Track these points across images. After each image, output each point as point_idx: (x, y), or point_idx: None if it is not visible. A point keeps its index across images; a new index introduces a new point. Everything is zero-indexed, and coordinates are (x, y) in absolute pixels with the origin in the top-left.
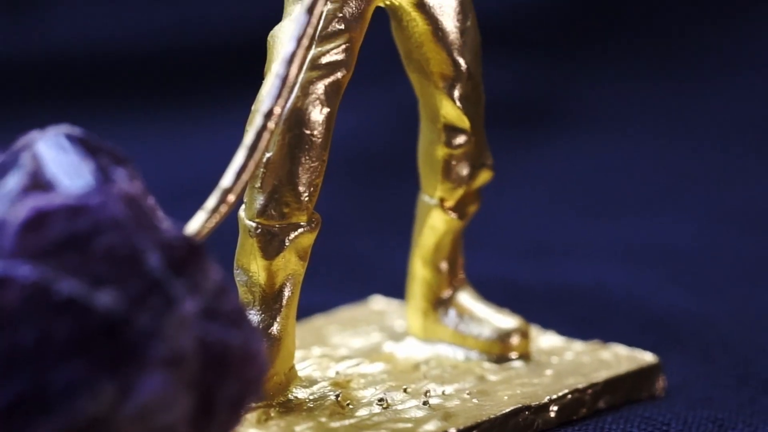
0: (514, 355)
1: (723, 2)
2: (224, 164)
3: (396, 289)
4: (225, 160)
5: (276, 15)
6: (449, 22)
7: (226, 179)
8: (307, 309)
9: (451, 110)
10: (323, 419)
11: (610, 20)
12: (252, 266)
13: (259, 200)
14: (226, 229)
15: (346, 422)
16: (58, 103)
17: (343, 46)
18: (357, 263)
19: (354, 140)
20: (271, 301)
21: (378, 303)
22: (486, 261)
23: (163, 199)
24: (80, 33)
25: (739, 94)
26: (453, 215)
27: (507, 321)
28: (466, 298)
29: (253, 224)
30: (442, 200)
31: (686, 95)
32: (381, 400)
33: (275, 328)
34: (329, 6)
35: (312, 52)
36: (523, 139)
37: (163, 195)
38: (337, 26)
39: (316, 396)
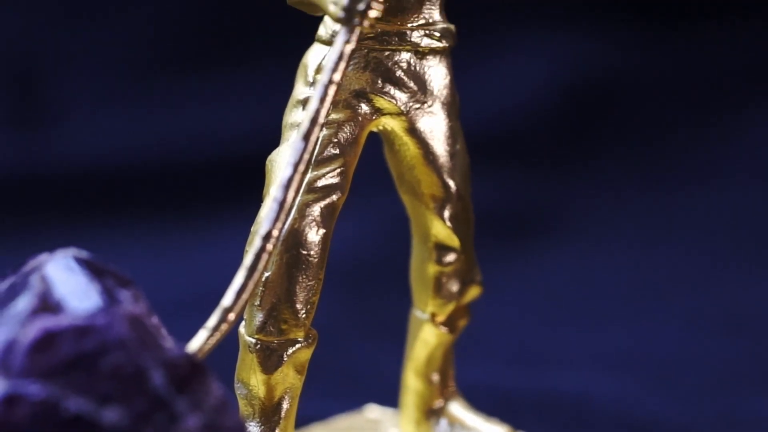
0: None
1: (702, 114)
2: (225, 277)
3: (390, 397)
4: (226, 273)
5: (275, 132)
6: (439, 146)
7: (227, 299)
8: (304, 418)
9: (441, 230)
10: None
11: (594, 134)
12: (252, 380)
13: (259, 317)
14: (227, 344)
15: None
16: (62, 217)
17: (338, 170)
18: (352, 373)
19: (349, 252)
20: (270, 413)
21: (373, 412)
22: (475, 369)
23: (166, 313)
24: (85, 149)
25: (718, 203)
26: (444, 330)
27: (495, 430)
28: (457, 409)
29: (253, 340)
30: (433, 315)
31: (667, 204)
32: None
33: None
34: (325, 131)
35: (308, 175)
36: (509, 249)
37: (167, 308)
38: (333, 151)
39: None
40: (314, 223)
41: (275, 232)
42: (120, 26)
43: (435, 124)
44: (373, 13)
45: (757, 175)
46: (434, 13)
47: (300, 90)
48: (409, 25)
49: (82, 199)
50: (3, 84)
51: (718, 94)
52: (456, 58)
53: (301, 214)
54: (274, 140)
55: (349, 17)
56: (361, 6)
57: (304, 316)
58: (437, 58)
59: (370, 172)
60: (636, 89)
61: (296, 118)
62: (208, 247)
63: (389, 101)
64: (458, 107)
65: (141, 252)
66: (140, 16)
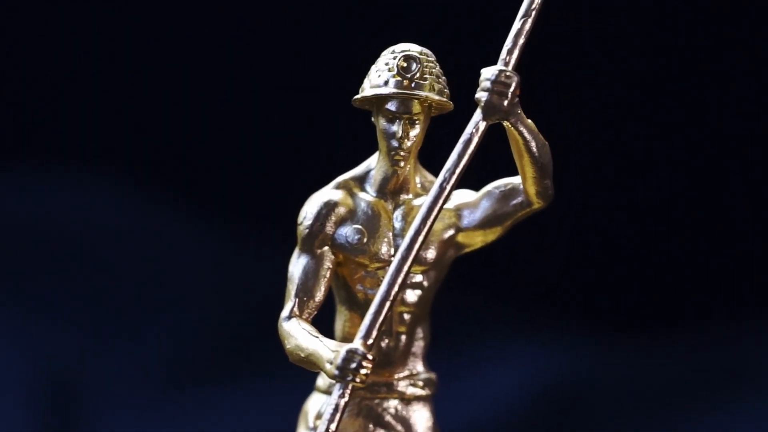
0: None
1: (665, 416)
2: None
3: None
4: None
5: None
6: None
7: None
8: None
9: None
10: None
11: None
12: None
13: None
14: None
15: None
16: None
17: None
18: None
19: None
20: None
21: None
22: None
23: None
24: None
25: None
26: None
27: None
28: None
29: None
30: None
31: None
32: None
33: None
34: None
35: None
36: None
37: None
38: None
39: None
40: None
41: None
42: (139, 345)
43: None
44: (363, 371)
45: None
46: (418, 365)
47: None
48: (396, 376)
49: None
50: (35, 397)
51: (680, 398)
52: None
53: None
54: None
55: (343, 375)
56: (353, 365)
57: None
58: (421, 403)
59: None
60: (602, 394)
61: None
62: None
63: None
64: None
65: None
66: (158, 334)
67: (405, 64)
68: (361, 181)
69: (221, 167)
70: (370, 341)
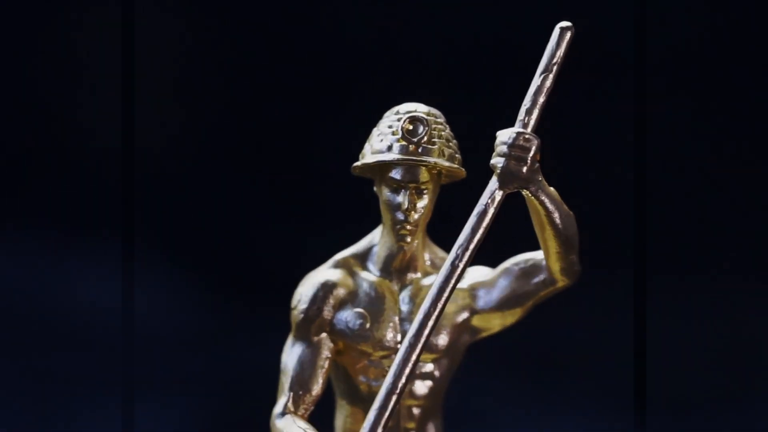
0: None
1: None
2: None
3: None
4: None
5: None
6: None
7: None
8: None
9: None
10: None
11: None
12: None
13: None
14: None
15: None
16: None
17: None
18: None
19: None
20: None
21: None
22: None
23: None
24: None
25: None
26: None
27: None
28: None
29: None
30: None
31: None
32: None
33: None
34: None
35: None
36: None
37: None
38: None
39: None
40: None
41: None
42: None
43: None
44: None
45: None
46: None
47: None
48: None
49: None
50: None
51: None
52: None
53: None
54: None
55: None
56: None
57: None
58: None
59: None
60: None
61: None
62: None
63: None
64: None
65: None
66: (149, 422)
67: (411, 127)
68: (363, 258)
69: (219, 246)
70: None
